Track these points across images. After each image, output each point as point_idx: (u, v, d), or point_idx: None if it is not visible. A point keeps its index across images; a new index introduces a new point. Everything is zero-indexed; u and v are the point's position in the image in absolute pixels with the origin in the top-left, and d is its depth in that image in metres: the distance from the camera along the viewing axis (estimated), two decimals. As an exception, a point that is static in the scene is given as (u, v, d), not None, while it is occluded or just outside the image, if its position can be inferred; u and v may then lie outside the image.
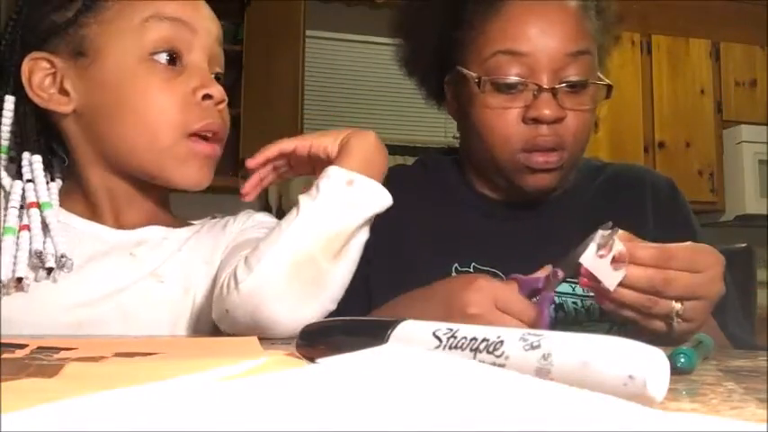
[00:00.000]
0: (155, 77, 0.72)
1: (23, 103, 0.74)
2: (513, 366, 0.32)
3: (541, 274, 0.69)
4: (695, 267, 0.62)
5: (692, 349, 0.43)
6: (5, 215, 0.70)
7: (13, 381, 0.34)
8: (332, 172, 0.69)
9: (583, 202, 0.92)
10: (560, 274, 0.67)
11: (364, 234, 0.70)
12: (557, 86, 0.81)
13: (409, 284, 0.77)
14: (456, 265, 0.87)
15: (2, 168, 0.75)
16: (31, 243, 0.69)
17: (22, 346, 0.47)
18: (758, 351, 0.66)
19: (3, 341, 0.48)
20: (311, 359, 0.41)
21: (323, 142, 0.74)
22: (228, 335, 0.67)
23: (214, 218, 0.85)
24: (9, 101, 0.74)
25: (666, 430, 0.22)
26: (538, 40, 0.82)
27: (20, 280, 0.68)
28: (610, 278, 0.61)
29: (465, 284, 0.68)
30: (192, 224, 0.83)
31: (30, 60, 0.73)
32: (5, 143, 0.75)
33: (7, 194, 0.73)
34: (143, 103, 0.71)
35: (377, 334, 0.39)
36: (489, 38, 0.84)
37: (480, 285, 0.67)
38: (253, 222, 0.81)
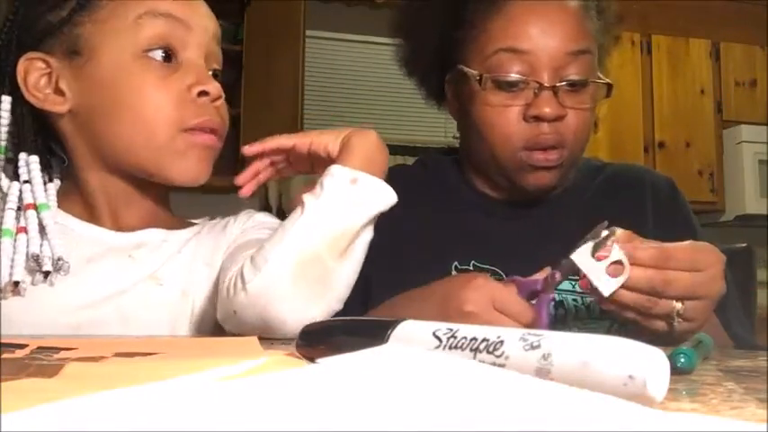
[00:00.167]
0: (150, 75, 0.72)
1: (20, 103, 0.74)
2: (513, 366, 0.32)
3: (540, 276, 0.69)
4: (695, 266, 0.61)
5: (692, 349, 0.43)
6: (2, 217, 0.70)
7: (13, 381, 0.34)
8: (335, 170, 0.69)
9: (583, 201, 0.92)
10: (558, 276, 0.67)
11: (369, 233, 0.70)
12: (558, 85, 0.81)
13: (409, 283, 0.77)
14: (456, 263, 0.87)
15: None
16: (28, 246, 0.69)
17: (22, 346, 0.47)
18: (758, 351, 0.66)
19: (3, 341, 0.48)
20: (311, 359, 0.41)
21: (323, 140, 0.74)
22: (234, 335, 0.67)
23: (214, 218, 0.85)
24: (6, 101, 0.74)
25: (666, 430, 0.22)
26: (539, 38, 0.82)
27: (17, 283, 0.68)
28: (605, 284, 0.60)
29: (463, 283, 0.68)
30: (192, 224, 0.83)
31: (25, 60, 0.73)
32: (3, 144, 0.74)
33: (4, 196, 0.72)
34: (138, 100, 0.71)
35: (377, 334, 0.39)
36: (491, 36, 0.84)
37: (478, 284, 0.67)
38: (253, 223, 0.81)
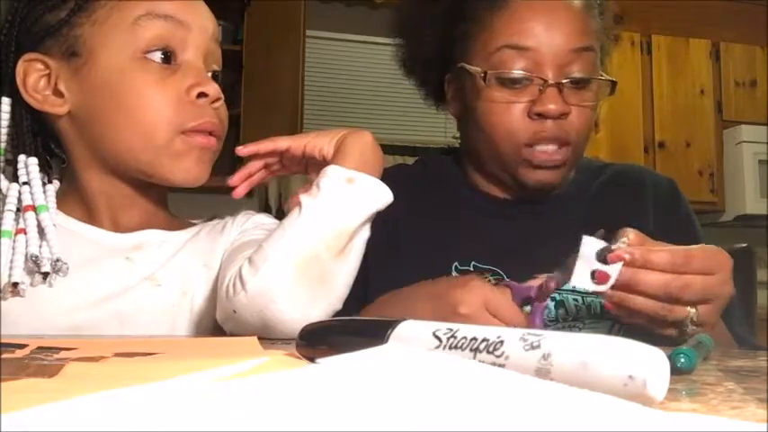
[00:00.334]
0: (148, 76, 0.72)
1: (19, 104, 0.74)
2: (513, 366, 0.32)
3: (534, 283, 0.69)
4: (708, 270, 0.61)
5: (692, 349, 0.43)
6: (1, 218, 0.70)
7: (13, 381, 0.34)
8: (331, 171, 0.69)
9: (584, 201, 0.92)
10: (552, 284, 0.68)
11: (366, 231, 0.70)
12: (562, 82, 0.81)
13: (409, 284, 0.77)
14: (456, 263, 0.87)
15: None
16: (27, 247, 0.69)
17: (22, 346, 0.47)
18: (759, 351, 0.66)
19: (3, 341, 0.48)
20: (311, 359, 0.41)
21: (318, 143, 0.74)
22: (234, 336, 0.67)
23: (213, 218, 0.85)
24: (5, 103, 0.74)
25: (666, 430, 0.22)
26: (543, 35, 0.82)
27: (16, 285, 0.68)
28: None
29: (458, 284, 0.68)
30: (190, 224, 0.83)
31: (24, 62, 0.73)
32: (2, 145, 0.74)
33: (3, 197, 0.72)
34: (137, 102, 0.71)
35: (377, 334, 0.39)
36: (494, 33, 0.84)
37: (473, 286, 0.67)
38: (252, 224, 0.80)
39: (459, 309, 0.66)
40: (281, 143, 0.77)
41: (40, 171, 0.74)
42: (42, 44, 0.73)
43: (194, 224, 0.83)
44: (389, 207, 0.72)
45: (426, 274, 0.77)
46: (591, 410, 0.24)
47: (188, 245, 0.77)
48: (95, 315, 0.70)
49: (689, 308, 0.60)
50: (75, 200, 0.77)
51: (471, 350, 0.34)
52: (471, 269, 0.86)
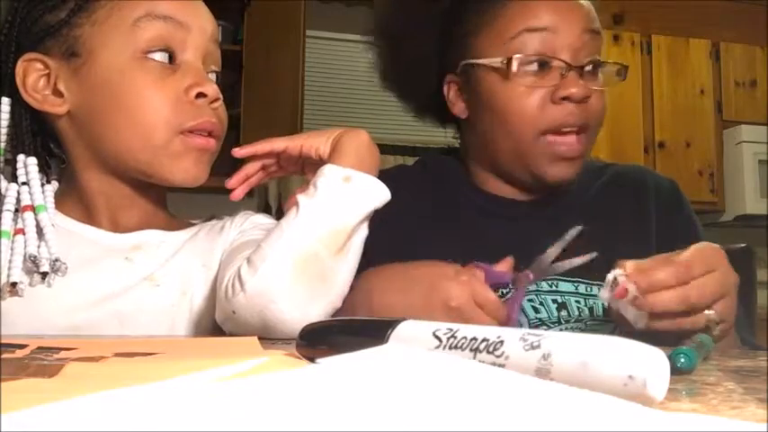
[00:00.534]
0: (148, 76, 0.72)
1: (19, 104, 0.74)
2: (513, 366, 0.32)
3: (504, 268, 0.70)
4: (710, 267, 0.61)
5: (692, 349, 0.43)
6: (0, 218, 0.70)
7: (13, 381, 0.34)
8: (327, 170, 0.69)
9: (585, 201, 0.92)
10: (531, 276, 0.69)
11: (364, 230, 0.70)
12: (584, 63, 0.82)
13: None
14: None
15: None
16: (25, 247, 0.69)
17: (22, 346, 0.47)
18: (758, 351, 0.66)
19: (3, 341, 0.48)
20: (311, 359, 0.41)
21: (314, 143, 0.74)
22: (233, 336, 0.67)
23: (212, 218, 0.85)
24: (5, 103, 0.74)
25: (666, 430, 0.22)
26: (560, 16, 0.82)
27: (14, 284, 0.68)
28: (636, 319, 0.60)
29: (450, 276, 0.68)
30: (189, 224, 0.83)
31: (23, 62, 0.73)
32: (2, 146, 0.74)
33: (2, 197, 0.72)
34: (136, 101, 0.71)
35: (377, 334, 0.39)
36: (510, 18, 0.83)
37: (463, 281, 0.67)
38: (251, 224, 0.80)
39: (452, 303, 0.66)
40: (278, 144, 0.77)
41: (39, 171, 0.74)
42: (42, 44, 0.73)
43: (193, 224, 0.83)
44: (390, 207, 0.72)
45: None
46: (591, 410, 0.24)
47: (187, 245, 0.77)
48: (95, 315, 0.70)
49: (707, 311, 0.60)
50: (74, 200, 0.77)
51: (471, 350, 0.34)
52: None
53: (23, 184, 0.73)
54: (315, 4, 3.20)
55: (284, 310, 0.64)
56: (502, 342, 0.33)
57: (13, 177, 0.74)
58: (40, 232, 0.70)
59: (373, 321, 0.43)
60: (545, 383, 0.28)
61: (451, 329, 0.36)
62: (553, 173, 0.84)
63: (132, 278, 0.73)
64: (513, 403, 0.25)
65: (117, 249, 0.74)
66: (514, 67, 0.82)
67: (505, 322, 0.66)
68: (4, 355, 0.43)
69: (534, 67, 0.82)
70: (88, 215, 0.77)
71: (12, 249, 0.69)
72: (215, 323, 0.71)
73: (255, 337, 0.57)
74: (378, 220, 0.73)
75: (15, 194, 0.72)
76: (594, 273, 0.76)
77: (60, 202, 0.76)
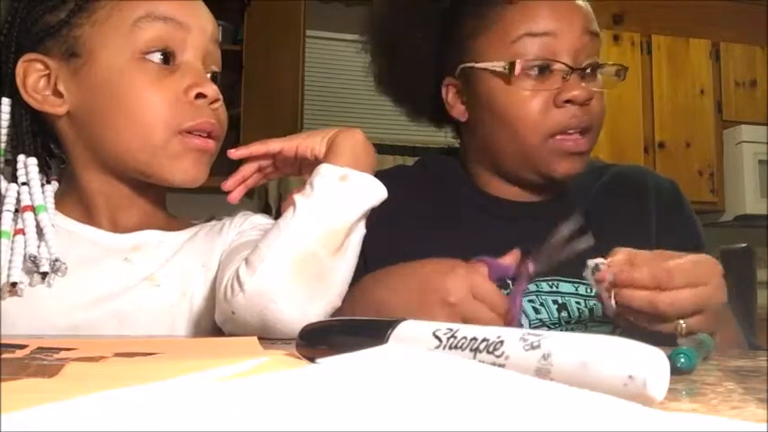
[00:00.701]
0: (147, 77, 0.72)
1: (19, 105, 0.74)
2: (513, 366, 0.32)
3: (509, 261, 0.70)
4: (696, 281, 0.61)
5: (692, 349, 0.43)
6: (0, 219, 0.70)
7: (13, 381, 0.34)
8: (324, 170, 0.69)
9: (585, 202, 0.92)
10: (531, 267, 0.68)
11: (362, 228, 0.70)
12: (584, 65, 0.82)
13: None
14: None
15: None
16: (25, 247, 0.69)
17: (22, 347, 0.47)
18: (758, 351, 0.66)
19: (3, 341, 0.48)
20: (311, 359, 0.41)
21: (310, 143, 0.74)
22: (233, 336, 0.67)
23: (212, 219, 0.85)
24: (5, 103, 0.74)
25: (666, 430, 0.22)
26: (561, 20, 0.82)
27: (14, 284, 0.68)
28: (609, 304, 0.62)
29: (446, 271, 0.68)
30: (189, 224, 0.83)
31: (24, 62, 0.73)
32: (2, 146, 0.74)
33: (2, 197, 0.72)
34: (135, 102, 0.71)
35: (377, 334, 0.39)
36: (511, 22, 0.83)
37: (460, 274, 0.67)
38: (250, 224, 0.80)
39: (450, 299, 0.65)
40: (273, 145, 0.77)
41: (39, 172, 0.74)
42: (42, 44, 0.73)
43: (193, 224, 0.83)
44: (390, 207, 0.72)
45: None
46: (591, 410, 0.24)
47: (186, 245, 0.77)
48: (94, 315, 0.70)
49: (679, 321, 0.61)
50: (74, 200, 0.77)
51: (471, 350, 0.34)
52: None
53: (23, 184, 0.73)
54: (315, 4, 3.20)
55: (283, 310, 0.64)
56: (502, 342, 0.33)
57: (13, 178, 0.74)
58: (39, 232, 0.70)
59: (373, 321, 0.43)
60: (545, 383, 0.28)
61: (451, 329, 0.36)
62: (562, 169, 0.84)
63: (132, 278, 0.73)
64: (513, 403, 0.25)
65: (116, 249, 0.74)
66: (517, 71, 0.82)
67: (507, 315, 0.66)
68: (4, 355, 0.43)
69: (535, 71, 0.82)
70: (88, 215, 0.77)
71: (12, 249, 0.69)
72: (215, 323, 0.71)
73: (255, 337, 0.57)
74: (378, 220, 0.73)
75: (15, 195, 0.72)
76: None
77: (60, 202, 0.76)
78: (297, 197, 0.68)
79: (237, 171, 0.80)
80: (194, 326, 0.74)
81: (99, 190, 0.76)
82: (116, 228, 0.76)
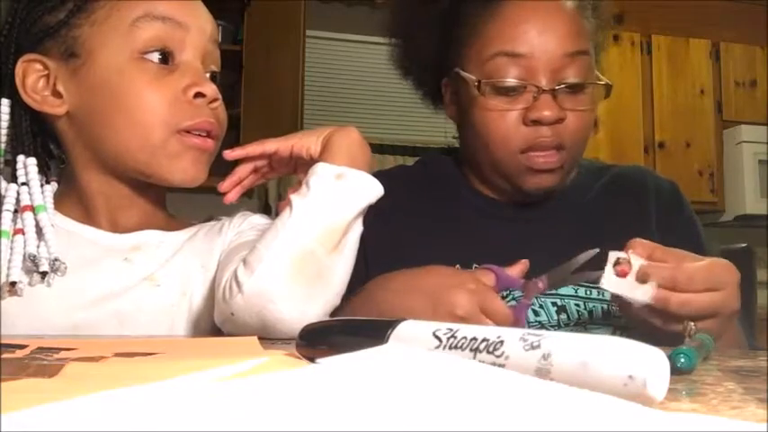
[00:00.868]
0: (146, 76, 0.72)
1: (18, 105, 0.74)
2: (513, 366, 0.32)
3: (515, 272, 0.70)
4: (713, 286, 0.62)
5: (692, 349, 0.43)
6: (0, 218, 0.70)
7: (13, 381, 0.34)
8: (319, 169, 0.69)
9: (585, 203, 0.92)
10: (541, 285, 0.68)
11: (359, 226, 0.70)
12: (557, 88, 0.81)
13: None
14: (457, 265, 0.86)
15: None
16: (25, 247, 0.69)
17: (22, 347, 0.47)
18: (758, 351, 0.66)
19: (3, 341, 0.48)
20: (311, 359, 0.41)
21: (305, 143, 0.74)
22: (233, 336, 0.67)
23: (211, 219, 0.85)
24: (5, 104, 0.74)
25: (666, 430, 0.22)
26: (537, 40, 0.81)
27: (13, 284, 0.68)
28: (641, 294, 0.61)
29: (456, 284, 0.68)
30: (188, 224, 0.83)
31: (23, 62, 0.73)
32: (2, 146, 0.74)
33: (1, 197, 0.72)
34: (134, 101, 0.71)
35: (377, 334, 0.39)
36: (487, 39, 0.83)
37: (470, 289, 0.67)
38: (249, 225, 0.80)
39: (457, 311, 0.66)
40: (269, 146, 0.77)
41: (39, 172, 0.74)
42: (41, 45, 0.73)
43: (192, 224, 0.83)
44: (390, 207, 0.72)
45: None
46: (591, 410, 0.24)
47: (186, 245, 0.77)
48: (94, 315, 0.70)
49: (690, 322, 0.61)
50: (74, 200, 0.77)
51: (471, 350, 0.34)
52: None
53: (23, 184, 0.73)
54: (315, 4, 3.20)
55: (283, 310, 0.64)
56: (502, 342, 0.33)
57: (12, 178, 0.74)
58: (39, 232, 0.70)
59: (373, 321, 0.43)
60: (545, 383, 0.28)
61: (451, 329, 0.36)
62: (530, 184, 0.85)
63: (132, 278, 0.73)
64: (513, 403, 0.25)
65: (116, 249, 0.74)
66: (484, 91, 0.83)
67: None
68: (4, 355, 0.43)
69: (506, 90, 0.82)
70: (87, 215, 0.77)
71: (11, 249, 0.69)
72: (214, 323, 0.71)
73: (255, 337, 0.57)
74: (378, 219, 0.73)
75: (15, 195, 0.72)
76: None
77: (60, 202, 0.76)
78: (293, 197, 0.68)
79: (233, 172, 0.80)
80: (194, 326, 0.74)
81: (98, 190, 0.76)
82: (116, 228, 0.76)
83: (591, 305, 0.83)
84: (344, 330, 0.45)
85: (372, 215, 0.72)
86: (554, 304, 0.83)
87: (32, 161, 0.74)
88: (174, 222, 0.82)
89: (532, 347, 0.32)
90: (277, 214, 0.70)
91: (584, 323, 0.83)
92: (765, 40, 3.40)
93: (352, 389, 0.27)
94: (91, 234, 0.75)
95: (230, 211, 0.84)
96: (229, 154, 0.77)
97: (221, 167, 0.81)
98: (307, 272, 0.65)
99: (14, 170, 0.74)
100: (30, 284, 0.69)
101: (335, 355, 0.31)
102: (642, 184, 0.94)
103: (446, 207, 0.93)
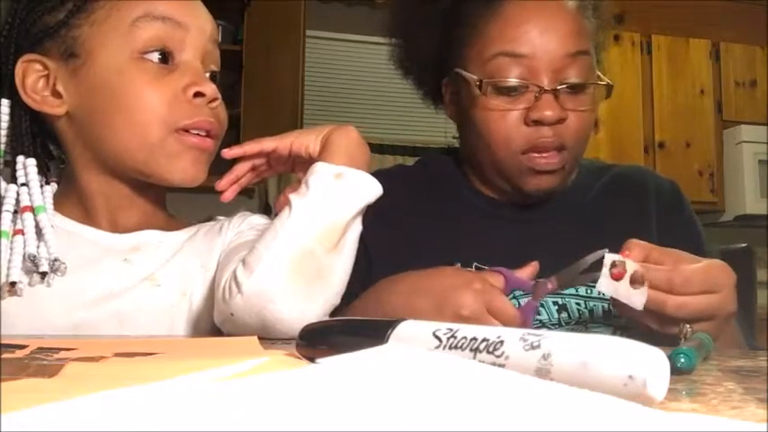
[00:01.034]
0: (146, 76, 0.71)
1: (18, 105, 0.74)
2: (513, 366, 0.32)
3: (525, 274, 0.70)
4: (709, 289, 0.62)
5: (692, 349, 0.43)
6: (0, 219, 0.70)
7: (13, 381, 0.34)
8: (319, 168, 0.69)
9: (586, 202, 0.92)
10: (551, 286, 0.68)
11: (358, 226, 0.70)
12: (558, 88, 0.81)
13: None
14: (458, 265, 0.86)
15: None
16: (24, 247, 0.69)
17: (22, 347, 0.47)
18: (758, 351, 0.66)
19: (3, 341, 0.48)
20: (311, 359, 0.41)
21: (304, 141, 0.75)
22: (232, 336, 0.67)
23: (210, 219, 0.85)
24: (4, 104, 0.74)
25: (666, 430, 0.22)
26: (538, 40, 0.81)
27: (13, 284, 0.68)
28: (636, 299, 0.61)
29: (462, 285, 0.68)
30: (188, 224, 0.83)
31: (23, 63, 0.73)
32: (2, 147, 0.74)
33: (1, 198, 0.72)
34: (134, 101, 0.71)
35: (377, 334, 0.39)
36: (489, 39, 0.83)
37: (476, 288, 0.67)
38: (248, 225, 0.80)
39: (463, 312, 0.66)
40: (267, 144, 0.77)
41: (39, 173, 0.74)
42: (41, 45, 0.73)
43: (192, 224, 0.83)
44: (390, 207, 0.72)
45: None
46: (591, 410, 0.24)
47: (186, 245, 0.77)
48: (94, 315, 0.70)
49: (686, 324, 0.61)
50: (74, 201, 0.77)
51: (471, 350, 0.34)
52: (472, 270, 0.86)
53: (23, 185, 0.73)
54: (315, 4, 3.20)
55: (282, 310, 0.64)
56: (502, 342, 0.33)
57: (12, 178, 0.74)
58: (39, 233, 0.70)
59: (373, 321, 0.43)
60: (545, 383, 0.28)
61: (451, 329, 0.36)
62: (531, 185, 0.85)
63: (132, 278, 0.73)
64: (513, 403, 0.25)
65: (116, 250, 0.74)
66: (486, 90, 0.82)
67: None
68: (4, 355, 0.43)
69: (507, 90, 0.82)
70: (87, 216, 0.77)
71: (11, 249, 0.69)
72: (214, 323, 0.71)
73: (255, 337, 0.57)
74: (379, 220, 0.73)
75: (15, 195, 0.72)
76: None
77: (59, 202, 0.76)
78: (292, 196, 0.68)
79: (231, 170, 0.80)
80: (194, 326, 0.74)
81: (98, 190, 0.76)
82: (116, 228, 0.76)
83: (592, 304, 0.83)
84: (344, 330, 0.45)
85: (372, 215, 0.72)
86: (555, 303, 0.83)
87: (32, 162, 0.74)
88: (173, 222, 0.82)
89: (532, 347, 0.32)
90: (276, 214, 0.70)
91: (584, 322, 0.83)
92: (765, 40, 3.40)
93: (352, 389, 0.27)
94: (91, 234, 0.75)
95: (230, 211, 0.84)
96: (227, 153, 0.77)
97: (221, 167, 0.81)
98: (306, 271, 0.65)
99: (14, 171, 0.74)
100: (30, 284, 0.69)
101: (335, 355, 0.31)
102: (642, 184, 0.94)
103: (446, 207, 0.93)
